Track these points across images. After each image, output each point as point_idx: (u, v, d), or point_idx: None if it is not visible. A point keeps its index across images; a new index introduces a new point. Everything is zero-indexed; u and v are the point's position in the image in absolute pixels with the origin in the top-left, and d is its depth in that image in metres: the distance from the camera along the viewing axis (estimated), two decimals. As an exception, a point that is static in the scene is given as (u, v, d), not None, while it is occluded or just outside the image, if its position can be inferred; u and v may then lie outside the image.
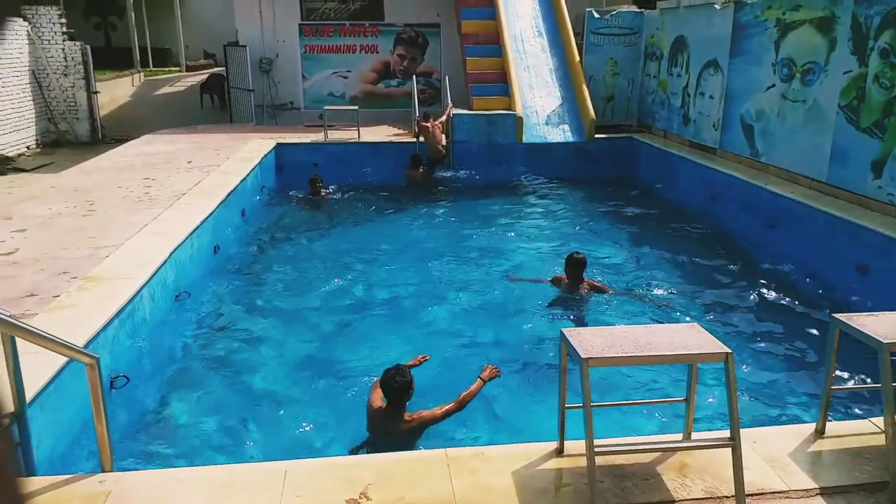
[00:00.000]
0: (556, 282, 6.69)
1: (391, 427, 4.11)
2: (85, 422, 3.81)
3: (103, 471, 3.18)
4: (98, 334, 4.41)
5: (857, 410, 4.62)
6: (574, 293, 6.47)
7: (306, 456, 3.58)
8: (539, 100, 13.19)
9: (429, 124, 11.69)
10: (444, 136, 11.91)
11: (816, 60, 8.28)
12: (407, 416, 4.12)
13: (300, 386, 5.23)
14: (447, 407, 4.21)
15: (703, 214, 9.82)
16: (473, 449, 3.39)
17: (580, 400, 2.89)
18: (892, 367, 3.01)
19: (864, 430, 3.47)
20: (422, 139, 11.97)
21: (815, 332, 5.95)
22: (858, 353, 5.14)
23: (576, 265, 6.42)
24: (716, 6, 10.52)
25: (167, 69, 30.39)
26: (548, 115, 12.99)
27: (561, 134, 12.76)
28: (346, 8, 15.68)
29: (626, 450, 3.15)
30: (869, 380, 4.36)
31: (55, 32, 15.31)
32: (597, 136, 12.61)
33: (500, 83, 13.11)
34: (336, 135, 12.81)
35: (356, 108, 13.13)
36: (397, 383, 4.03)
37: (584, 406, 2.86)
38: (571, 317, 6.32)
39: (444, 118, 12.15)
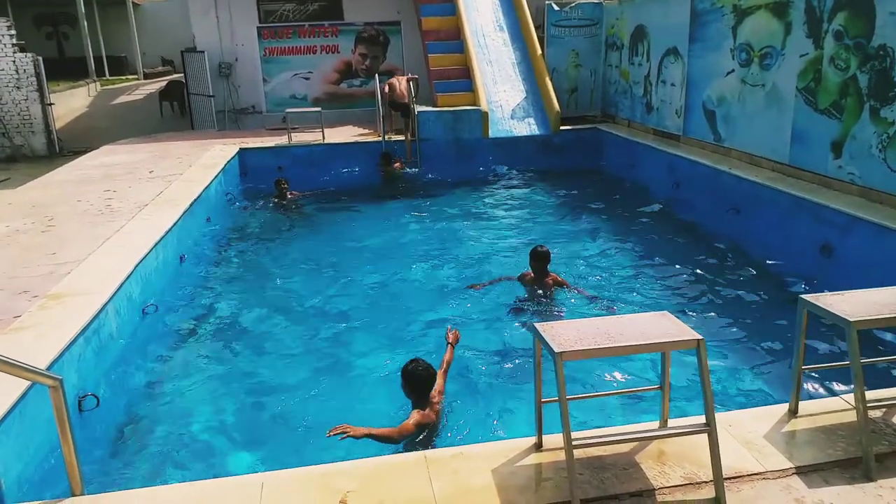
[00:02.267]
0: (522, 278, 6.68)
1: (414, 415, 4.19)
2: (54, 445, 3.70)
3: (73, 495, 3.09)
4: (62, 354, 4.28)
5: (829, 388, 4.70)
6: (539, 288, 6.48)
7: (283, 467, 3.52)
8: (503, 94, 13.21)
9: (395, 79, 12.62)
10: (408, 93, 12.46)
11: (773, 45, 8.40)
12: (434, 400, 4.28)
13: (274, 396, 5.15)
14: (442, 371, 4.58)
15: (669, 201, 9.91)
16: (453, 449, 3.36)
17: (556, 394, 2.88)
18: (860, 344, 3.06)
19: (836, 408, 3.52)
20: (394, 134, 12.33)
21: (783, 313, 6.03)
22: (827, 332, 5.26)
23: (539, 258, 6.42)
24: (672, -6, 10.63)
25: (124, 77, 29.79)
26: (513, 109, 13.02)
27: (527, 127, 12.80)
28: (304, 9, 15.51)
29: (603, 441, 3.15)
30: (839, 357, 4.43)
31: (5, 44, 14.90)
32: (562, 128, 12.69)
33: (464, 79, 13.12)
34: (300, 137, 12.69)
35: (319, 109, 13.01)
36: (426, 371, 4.22)
37: (559, 399, 2.86)
38: (537, 311, 6.29)
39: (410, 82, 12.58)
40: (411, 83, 12.43)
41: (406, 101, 12.28)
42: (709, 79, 9.87)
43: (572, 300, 6.44)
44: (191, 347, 5.91)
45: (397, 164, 11.93)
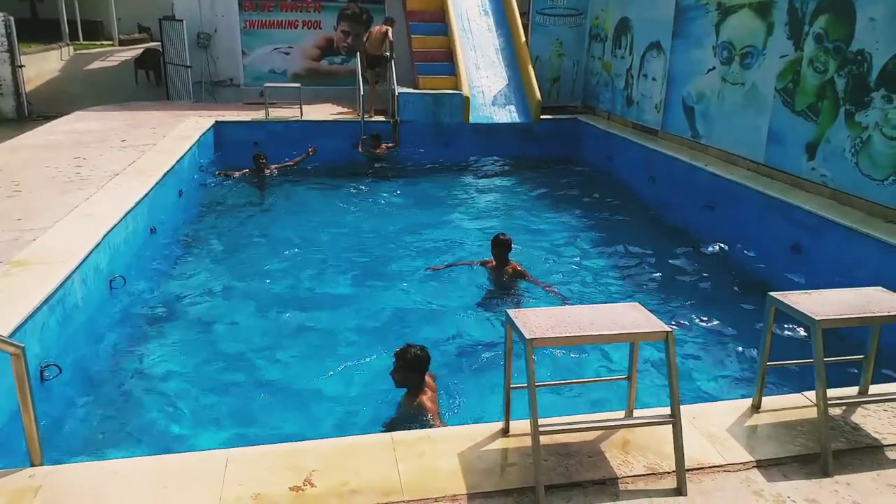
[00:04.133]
0: (484, 265, 6.68)
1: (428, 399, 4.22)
2: (13, 413, 3.63)
3: (32, 465, 3.03)
4: (25, 322, 4.19)
5: (792, 385, 4.78)
6: (500, 276, 6.48)
7: (248, 443, 3.50)
8: (485, 80, 13.16)
9: (373, 30, 12.82)
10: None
11: (754, 44, 8.47)
12: (428, 379, 4.29)
13: (239, 373, 5.11)
14: None
15: (644, 195, 9.99)
16: (419, 432, 3.37)
17: (524, 380, 2.90)
18: (824, 343, 3.12)
19: (797, 404, 3.59)
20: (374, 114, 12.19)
21: (751, 309, 6.12)
22: (793, 330, 5.35)
23: (501, 246, 6.39)
24: (658, -12, 10.64)
25: (98, 43, 29.06)
26: (494, 96, 12.97)
27: (507, 115, 12.77)
28: (287, -18, 15.22)
29: (570, 428, 3.18)
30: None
31: (-25, 2, 14.45)
32: (542, 117, 12.68)
33: (446, 62, 13.02)
34: (278, 113, 12.50)
35: (298, 85, 12.83)
36: (426, 353, 4.20)
37: (528, 386, 2.87)
38: (497, 299, 6.27)
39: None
40: (388, 31, 12.36)
41: (378, 53, 12.19)
42: (690, 75, 9.92)
43: (531, 290, 6.44)
44: (158, 321, 5.83)
45: (382, 147, 11.82)
